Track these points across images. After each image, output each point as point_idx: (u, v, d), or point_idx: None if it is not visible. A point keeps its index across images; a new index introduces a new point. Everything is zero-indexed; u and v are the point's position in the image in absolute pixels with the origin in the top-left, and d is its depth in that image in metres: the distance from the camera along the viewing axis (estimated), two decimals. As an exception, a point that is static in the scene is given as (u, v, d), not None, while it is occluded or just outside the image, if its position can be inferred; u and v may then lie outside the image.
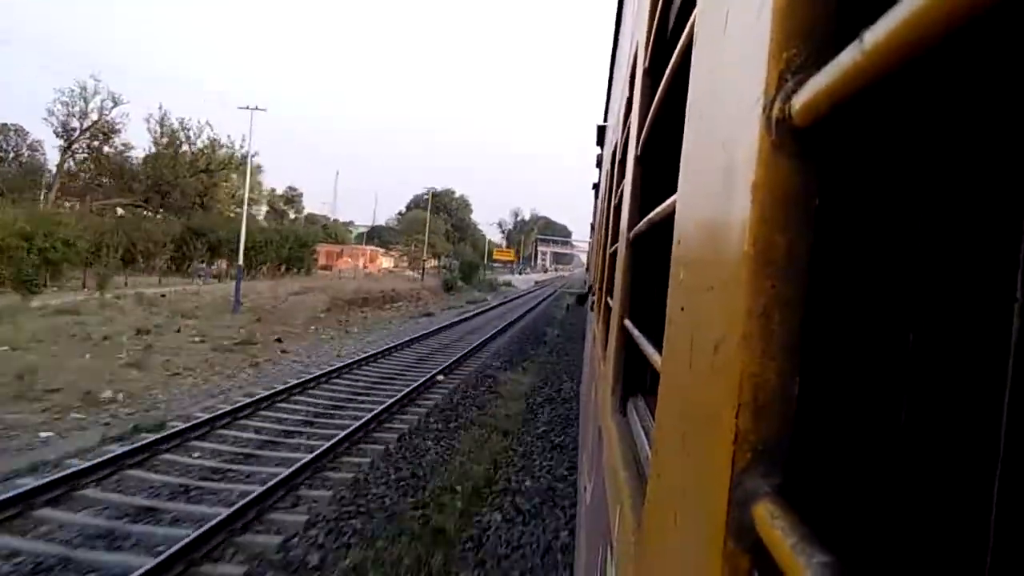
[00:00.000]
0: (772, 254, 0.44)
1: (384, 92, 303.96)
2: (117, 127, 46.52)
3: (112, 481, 6.86)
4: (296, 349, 16.63)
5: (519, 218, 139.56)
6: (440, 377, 13.36)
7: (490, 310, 32.91)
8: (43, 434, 8.50)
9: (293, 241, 46.88)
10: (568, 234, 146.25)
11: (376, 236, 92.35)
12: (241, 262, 26.52)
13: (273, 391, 10.87)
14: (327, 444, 8.20)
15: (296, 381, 11.71)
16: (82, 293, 24.77)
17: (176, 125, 49.26)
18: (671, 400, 0.72)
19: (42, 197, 42.35)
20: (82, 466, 6.84)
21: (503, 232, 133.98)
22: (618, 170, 2.65)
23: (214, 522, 5.65)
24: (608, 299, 2.53)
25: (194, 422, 8.79)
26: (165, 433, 8.24)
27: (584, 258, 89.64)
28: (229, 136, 51.26)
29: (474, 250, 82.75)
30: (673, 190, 0.85)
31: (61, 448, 7.90)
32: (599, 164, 9.28)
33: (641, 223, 1.51)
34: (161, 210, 45.20)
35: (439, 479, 7.36)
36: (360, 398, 11.41)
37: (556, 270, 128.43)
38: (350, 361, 14.14)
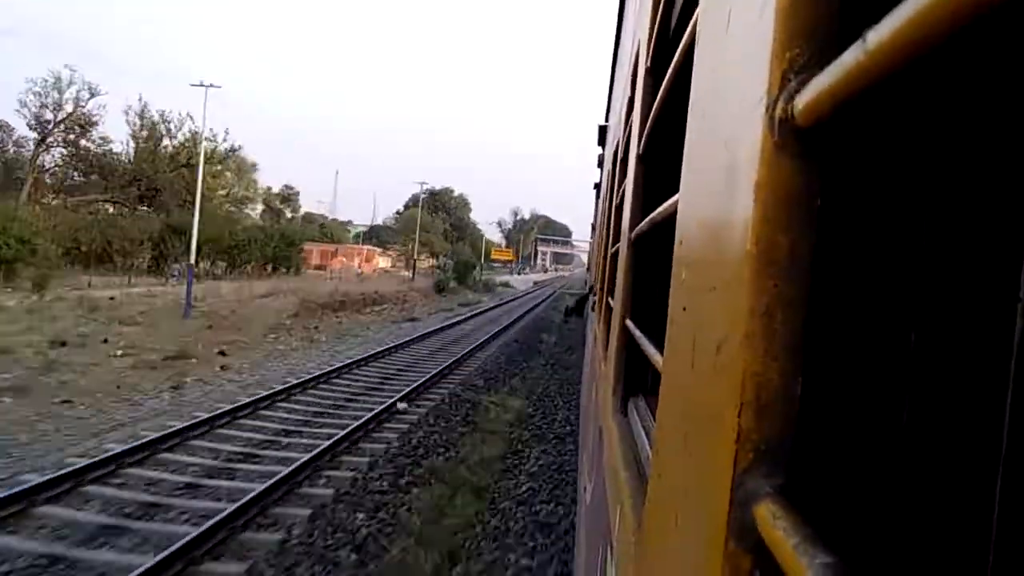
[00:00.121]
0: (775, 254, 0.43)
1: (384, 92, 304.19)
2: (94, 119, 43.62)
3: None
4: (240, 364, 13.98)
5: (519, 217, 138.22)
6: (402, 406, 10.59)
7: (482, 313, 30.13)
8: None
9: (279, 240, 44.88)
10: (568, 234, 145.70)
11: (375, 236, 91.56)
12: (193, 260, 23.94)
13: (168, 430, 8.10)
14: (179, 543, 5.03)
15: (211, 413, 9.07)
16: (36, 295, 22.30)
17: (156, 118, 46.52)
18: (673, 400, 0.72)
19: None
20: None
21: (503, 232, 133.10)
22: (620, 170, 2.65)
23: None
24: (609, 299, 2.53)
25: (15, 489, 5.86)
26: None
27: (584, 258, 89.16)
28: (212, 129, 47.70)
29: (473, 250, 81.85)
30: (675, 190, 0.85)
31: None
32: (600, 164, 9.28)
33: (643, 223, 1.51)
34: (146, 207, 44.07)
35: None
36: (284, 440, 8.60)
37: (556, 270, 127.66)
38: (300, 380, 11.73)
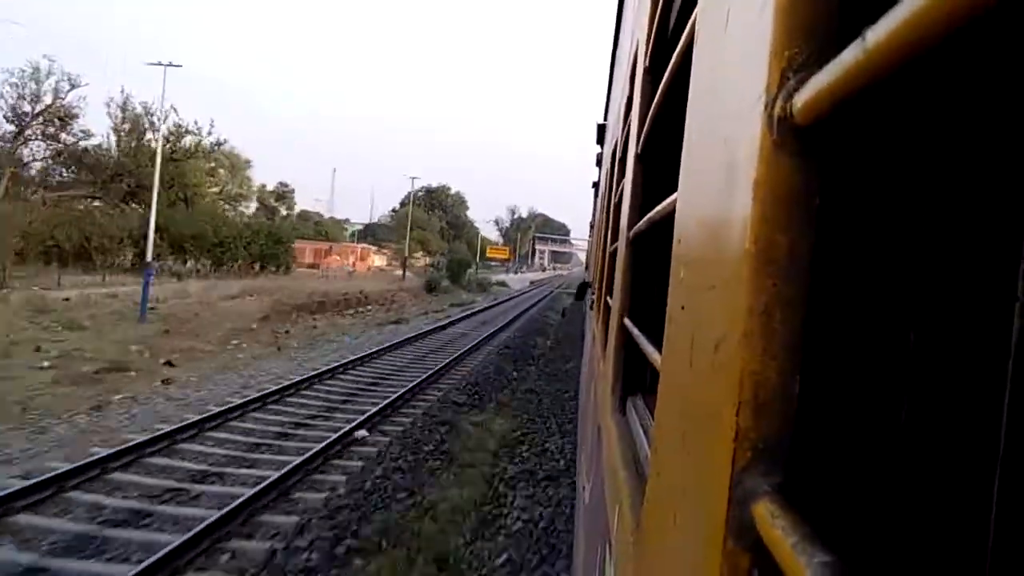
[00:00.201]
0: (773, 253, 0.43)
1: (383, 91, 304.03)
2: (74, 112, 40.35)
3: None
4: (188, 377, 12.20)
5: (516, 216, 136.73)
6: (361, 434, 8.84)
7: (474, 315, 28.02)
8: None
9: (266, 237, 42.70)
10: (566, 232, 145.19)
11: (371, 234, 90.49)
12: (150, 257, 21.70)
13: (45, 475, 6.17)
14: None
15: (115, 448, 7.13)
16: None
17: (140, 110, 42.97)
18: (671, 399, 0.72)
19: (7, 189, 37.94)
20: None
21: (500, 230, 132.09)
22: (618, 168, 2.65)
23: None
24: (608, 298, 2.53)
25: None
26: None
27: (583, 257, 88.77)
28: (196, 122, 44.88)
29: (470, 248, 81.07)
30: (673, 189, 0.85)
31: None
32: (599, 163, 9.28)
33: (641, 222, 1.51)
34: (136, 204, 41.16)
35: None
36: (195, 489, 6.59)
37: (554, 269, 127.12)
38: (248, 399, 9.91)
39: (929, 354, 0.45)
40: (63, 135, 40.37)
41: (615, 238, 2.36)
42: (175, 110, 42.44)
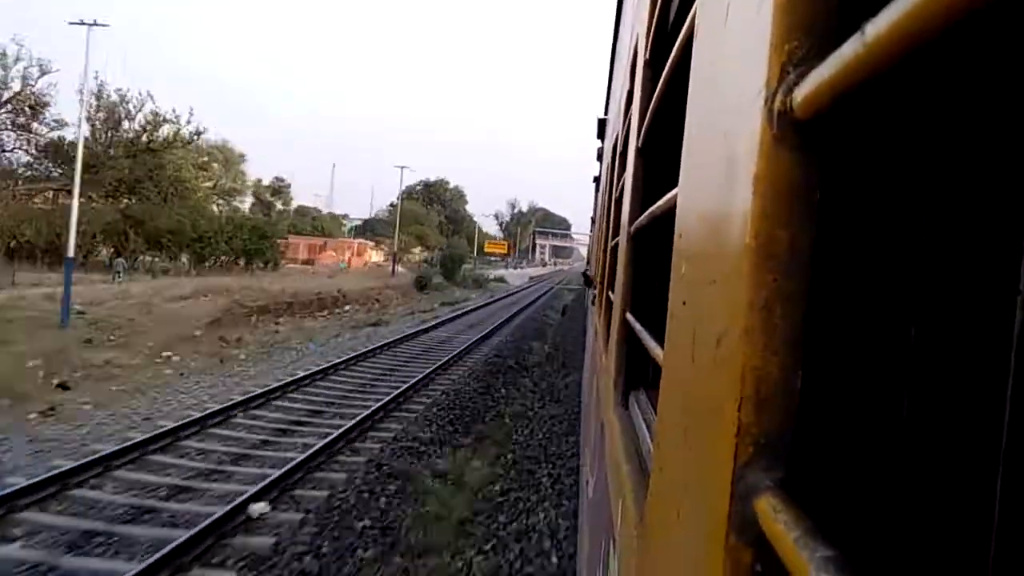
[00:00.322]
0: (774, 248, 0.43)
1: (383, 90, 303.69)
2: (45, 99, 36.84)
3: None
4: (81, 404, 9.77)
5: (516, 210, 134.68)
6: (258, 508, 5.97)
7: (466, 315, 25.45)
8: None
9: (250, 232, 39.56)
10: (568, 226, 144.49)
11: (370, 229, 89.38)
12: (72, 253, 17.99)
13: None
14: None
15: None
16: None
17: (115, 98, 39.43)
18: (673, 394, 0.72)
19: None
20: None
21: (500, 224, 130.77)
22: (619, 163, 2.64)
23: None
24: (610, 293, 2.53)
25: None
26: None
27: (584, 251, 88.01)
28: (174, 110, 41.61)
29: (469, 243, 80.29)
30: (674, 183, 0.84)
31: None
32: (600, 157, 9.26)
33: (642, 216, 1.50)
34: (127, 198, 38.65)
35: None
36: None
37: (555, 264, 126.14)
38: (143, 438, 7.58)
39: (930, 348, 0.45)
40: (35, 124, 37.34)
41: (616, 233, 2.35)
42: (151, 97, 40.21)
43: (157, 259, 34.68)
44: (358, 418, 9.19)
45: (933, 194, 0.45)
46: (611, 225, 2.92)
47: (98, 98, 38.90)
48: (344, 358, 13.87)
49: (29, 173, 37.34)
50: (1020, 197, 0.41)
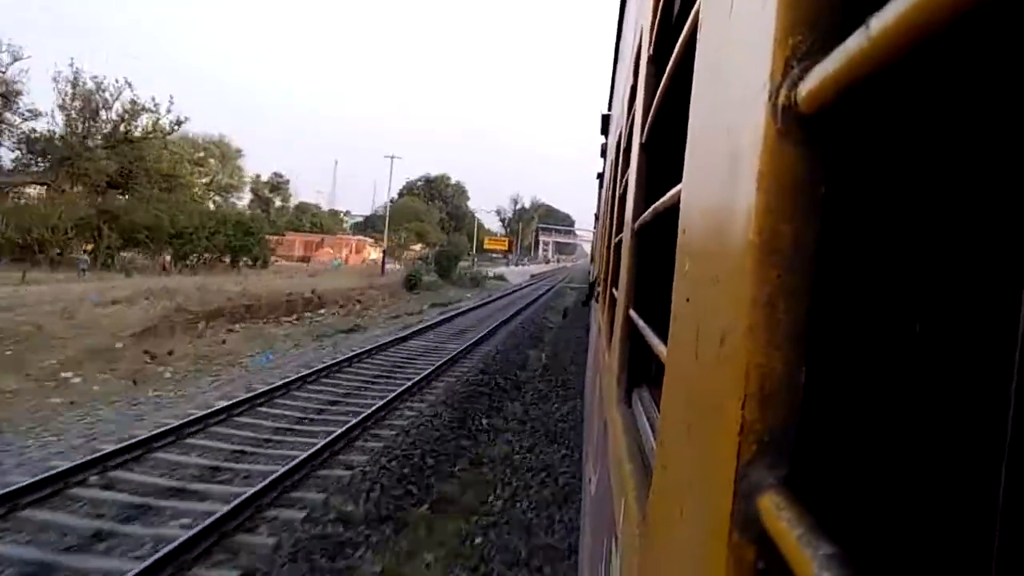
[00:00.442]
0: (778, 243, 0.43)
1: (383, 90, 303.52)
2: (17, 87, 34.93)
3: None
4: None
5: (519, 206, 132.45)
6: None
7: (456, 317, 22.85)
8: None
9: (234, 227, 36.64)
10: (571, 223, 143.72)
11: (371, 226, 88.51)
12: None
13: None
14: None
15: None
16: None
17: (91, 86, 37.05)
18: (676, 391, 0.72)
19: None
20: None
21: (502, 220, 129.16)
22: (622, 159, 2.64)
23: None
24: (613, 290, 2.53)
25: None
26: None
27: (588, 248, 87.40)
28: (154, 98, 39.19)
29: (470, 240, 79.19)
30: (678, 179, 0.84)
31: None
32: (603, 153, 9.25)
33: (646, 213, 1.50)
34: (119, 193, 36.91)
35: None
36: None
37: (558, 260, 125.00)
38: None
39: (935, 345, 0.45)
40: (7, 114, 35.31)
41: (620, 229, 2.35)
42: (129, 85, 37.89)
43: (138, 256, 32.85)
44: (297, 460, 7.05)
45: (939, 189, 0.45)
46: (615, 221, 2.91)
47: (74, 86, 37.10)
48: (292, 377, 11.29)
49: (13, 167, 36.07)
50: None
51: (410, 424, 9.04)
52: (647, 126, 1.64)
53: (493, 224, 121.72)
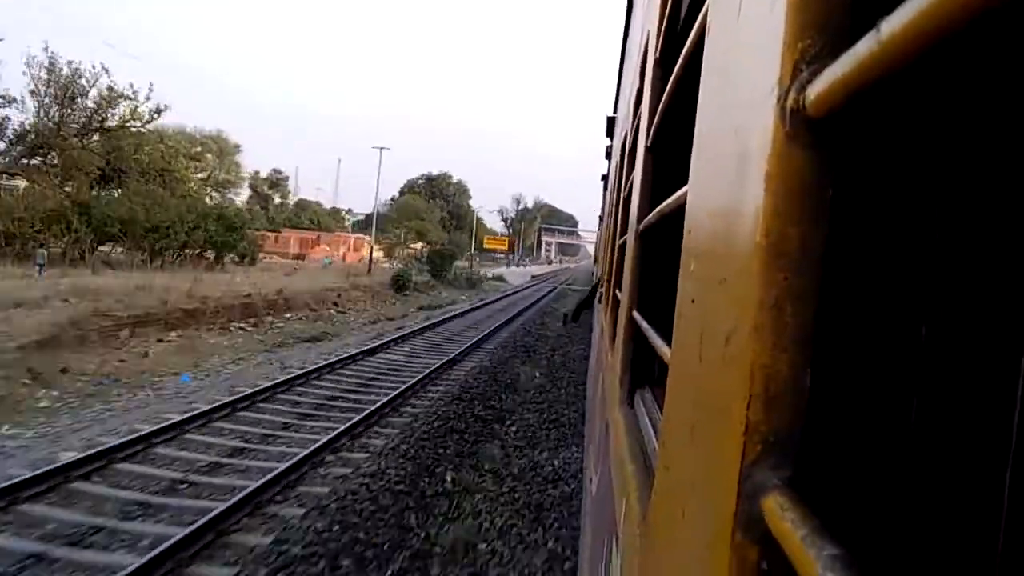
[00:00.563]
0: (785, 246, 0.43)
1: (390, 84, 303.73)
2: None
3: None
4: None
5: (521, 206, 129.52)
6: None
7: (444, 323, 20.54)
8: None
9: (216, 222, 33.31)
10: (574, 224, 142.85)
11: (372, 223, 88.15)
12: None
13: None
14: None
15: None
16: None
17: (67, 72, 33.84)
18: (680, 392, 0.72)
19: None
20: None
21: (505, 220, 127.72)
22: (628, 161, 2.64)
23: None
24: (616, 291, 2.53)
25: None
26: None
27: (591, 249, 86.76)
28: (132, 84, 35.76)
29: (471, 239, 79.00)
30: (683, 181, 0.84)
31: None
32: (608, 155, 9.24)
33: (651, 215, 1.50)
34: (112, 187, 34.52)
35: None
36: None
37: (561, 261, 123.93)
38: None
39: (940, 348, 0.45)
40: None
41: (624, 231, 2.35)
42: (106, 71, 34.59)
43: (114, 252, 30.02)
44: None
45: (946, 194, 0.45)
46: (619, 223, 2.91)
47: (49, 71, 33.91)
48: (199, 410, 8.75)
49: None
50: None
51: (331, 497, 6.10)
52: (653, 128, 1.64)
53: (496, 224, 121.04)
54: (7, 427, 8.42)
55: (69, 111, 34.36)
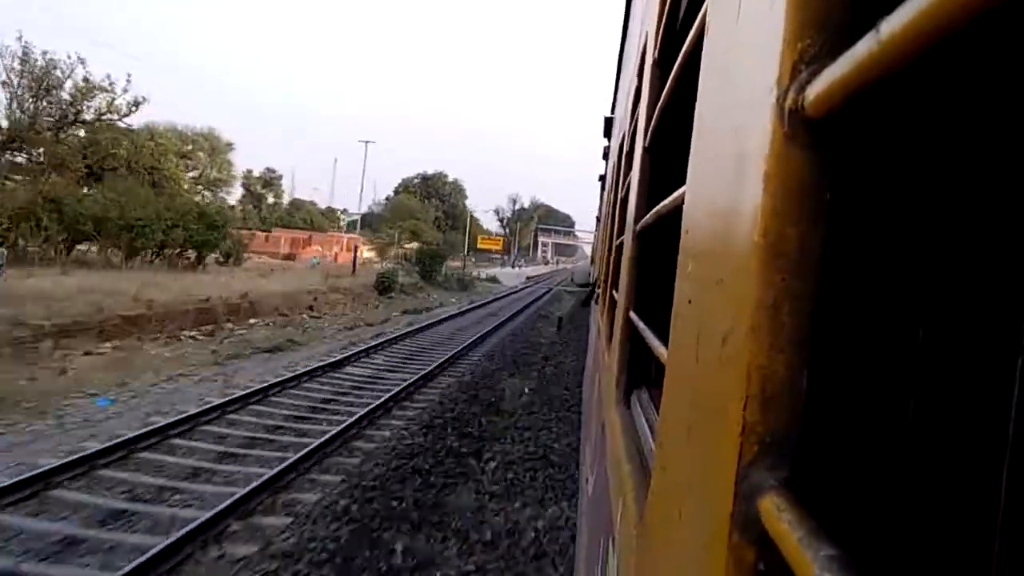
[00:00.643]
0: (783, 246, 0.43)
1: (388, 84, 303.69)
2: None
3: None
4: None
5: (517, 205, 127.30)
6: None
7: (428, 328, 18.90)
8: None
9: (197, 221, 31.05)
10: (571, 224, 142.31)
11: (368, 223, 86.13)
12: None
13: None
14: None
15: None
16: None
17: (42, 63, 31.58)
18: (677, 392, 0.72)
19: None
20: None
21: (501, 221, 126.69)
22: (625, 162, 2.64)
23: None
24: (613, 292, 2.53)
25: None
26: None
27: (588, 250, 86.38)
28: (109, 76, 33.27)
29: (466, 239, 78.22)
30: (681, 182, 0.84)
31: None
32: (606, 156, 9.24)
33: (648, 215, 1.50)
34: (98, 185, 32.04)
35: None
36: None
37: (558, 262, 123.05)
38: None
39: (938, 350, 0.45)
40: None
41: (621, 232, 2.35)
42: (82, 62, 32.39)
43: (91, 250, 27.99)
44: None
45: (945, 196, 0.45)
46: (616, 224, 2.91)
47: (23, 62, 31.81)
48: (111, 443, 7.01)
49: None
50: None
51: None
52: (651, 129, 1.64)
53: (492, 224, 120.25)
54: None
55: (45, 103, 32.52)
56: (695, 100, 0.78)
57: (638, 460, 1.22)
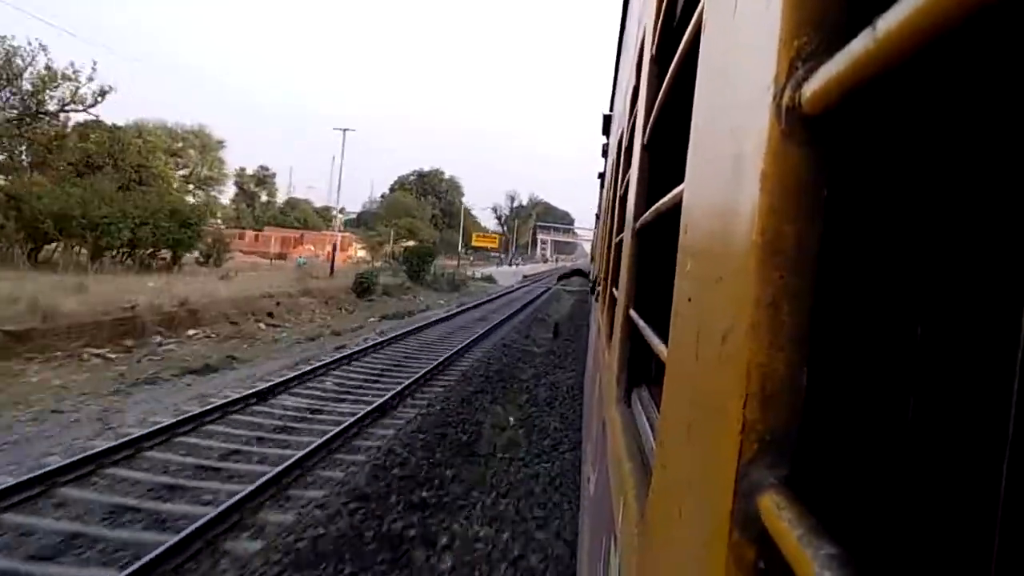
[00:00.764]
0: (781, 244, 0.43)
1: (387, 85, 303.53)
2: None
3: None
4: None
5: (516, 203, 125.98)
6: None
7: (408, 336, 16.68)
8: None
9: (169, 219, 28.69)
10: (570, 221, 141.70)
11: (364, 222, 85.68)
12: None
13: None
14: None
15: None
16: None
17: (1, 50, 28.76)
18: (677, 390, 0.72)
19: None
20: None
21: (499, 218, 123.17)
22: (624, 159, 2.64)
23: None
24: (613, 289, 2.53)
25: None
26: None
27: (588, 248, 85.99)
28: (73, 64, 30.45)
29: (461, 236, 77.55)
30: (680, 179, 0.84)
31: None
32: (604, 153, 9.24)
33: (647, 213, 1.50)
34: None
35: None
36: None
37: (556, 260, 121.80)
38: None
39: (936, 348, 0.45)
40: None
41: (621, 229, 2.35)
42: (44, 49, 29.64)
43: (59, 250, 26.11)
44: None
45: (942, 192, 0.45)
46: (615, 221, 2.91)
47: None
48: None
49: None
50: None
51: None
52: (649, 126, 1.64)
53: (491, 222, 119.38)
54: None
55: (8, 94, 29.88)
56: (693, 97, 0.77)
57: (639, 458, 1.22)
